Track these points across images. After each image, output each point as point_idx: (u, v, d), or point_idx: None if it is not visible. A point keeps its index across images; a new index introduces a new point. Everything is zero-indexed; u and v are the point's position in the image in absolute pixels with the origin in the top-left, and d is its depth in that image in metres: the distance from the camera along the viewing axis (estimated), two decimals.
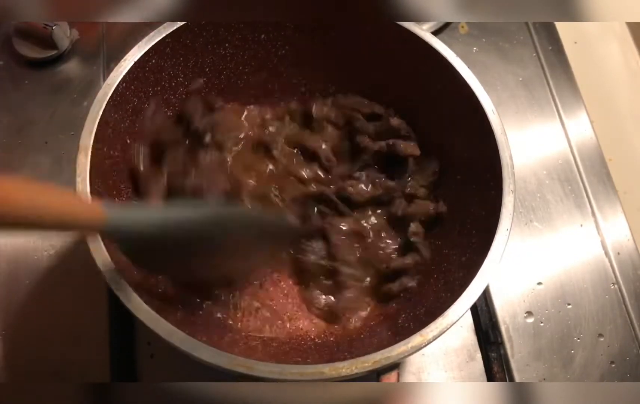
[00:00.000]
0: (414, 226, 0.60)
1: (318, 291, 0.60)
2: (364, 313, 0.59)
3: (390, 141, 0.64)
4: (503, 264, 0.53)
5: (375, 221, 0.64)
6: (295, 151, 0.67)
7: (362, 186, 0.64)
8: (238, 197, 0.61)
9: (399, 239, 0.63)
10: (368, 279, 0.61)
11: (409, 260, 0.59)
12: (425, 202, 0.63)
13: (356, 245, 0.62)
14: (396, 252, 0.62)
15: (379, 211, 0.64)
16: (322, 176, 0.65)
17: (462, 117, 0.60)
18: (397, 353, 0.47)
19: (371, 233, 0.63)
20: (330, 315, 0.59)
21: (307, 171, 0.65)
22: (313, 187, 0.63)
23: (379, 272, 0.61)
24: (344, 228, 0.62)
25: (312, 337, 0.58)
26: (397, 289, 0.59)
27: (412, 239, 0.60)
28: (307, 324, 0.59)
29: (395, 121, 0.65)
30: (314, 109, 0.67)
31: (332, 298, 0.60)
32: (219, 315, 0.58)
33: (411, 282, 0.60)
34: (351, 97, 0.68)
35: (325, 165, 0.65)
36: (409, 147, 0.64)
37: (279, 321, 0.58)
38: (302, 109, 0.68)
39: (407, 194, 0.64)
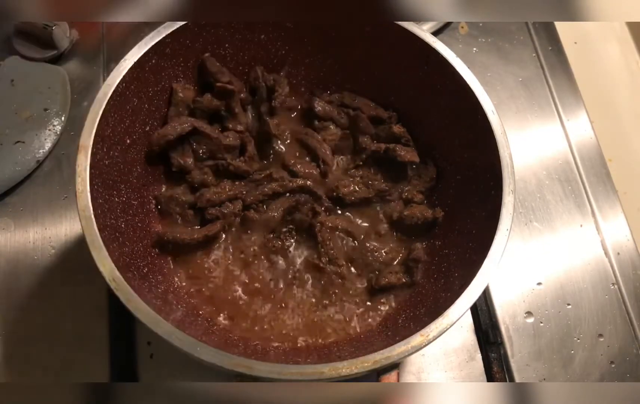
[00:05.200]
0: (417, 252, 0.61)
1: (308, 291, 0.60)
2: (359, 313, 0.60)
3: (391, 146, 0.64)
4: (503, 264, 0.53)
5: (369, 222, 0.64)
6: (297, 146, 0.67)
7: (355, 187, 0.64)
8: None
9: (392, 244, 0.63)
10: (358, 278, 0.61)
11: (394, 279, 0.59)
12: (422, 206, 0.63)
13: (345, 243, 0.62)
14: (387, 254, 0.62)
15: (374, 212, 0.65)
16: (316, 174, 0.65)
17: (462, 117, 0.60)
18: (397, 353, 0.47)
19: (362, 233, 0.63)
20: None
21: (303, 167, 0.65)
22: (305, 182, 0.63)
23: (369, 278, 0.61)
24: (332, 226, 0.62)
25: (311, 337, 0.58)
26: (388, 299, 0.60)
27: (410, 264, 0.60)
28: (306, 325, 0.59)
29: (397, 129, 0.65)
30: (318, 107, 0.67)
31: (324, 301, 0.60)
32: (220, 319, 0.58)
33: (402, 295, 0.60)
34: (358, 98, 0.68)
35: (321, 167, 0.65)
36: (409, 154, 0.64)
37: (277, 322, 0.59)
38: (307, 106, 0.68)
39: (405, 199, 0.64)
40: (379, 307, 0.60)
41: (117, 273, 0.47)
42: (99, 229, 0.49)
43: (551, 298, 0.67)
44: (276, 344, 0.57)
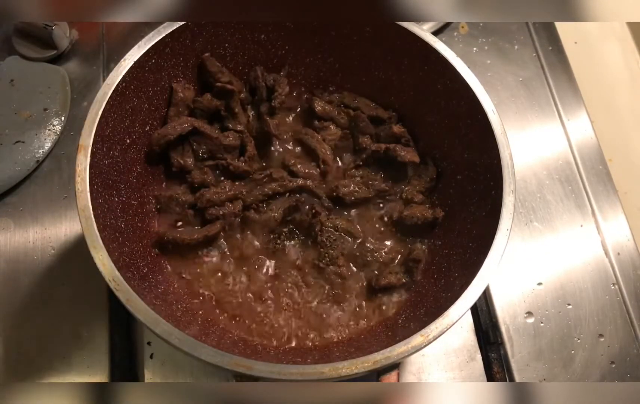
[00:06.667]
0: (417, 252, 0.61)
1: (309, 291, 0.60)
2: (360, 312, 0.60)
3: (391, 146, 0.64)
4: (503, 265, 0.53)
5: (369, 222, 0.64)
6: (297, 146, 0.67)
7: (355, 187, 0.64)
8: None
9: (392, 244, 0.63)
10: (358, 278, 0.61)
11: (393, 279, 0.59)
12: (422, 206, 0.63)
13: (345, 243, 0.62)
14: (387, 254, 0.62)
15: (374, 212, 0.65)
16: (316, 174, 0.65)
17: (462, 117, 0.60)
18: (398, 353, 0.47)
19: (362, 233, 0.63)
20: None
21: (303, 167, 0.65)
22: (305, 182, 0.63)
23: (369, 278, 0.61)
24: (332, 226, 0.62)
25: (311, 337, 0.58)
26: (388, 299, 0.60)
27: (410, 264, 0.60)
28: (306, 325, 0.59)
29: (397, 128, 0.65)
30: (318, 107, 0.67)
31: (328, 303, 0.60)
32: (220, 318, 0.58)
33: (402, 295, 0.60)
34: (358, 98, 0.68)
35: (321, 167, 0.65)
36: (409, 154, 0.64)
37: (277, 322, 0.59)
38: (307, 106, 0.68)
39: (405, 199, 0.64)
40: (379, 307, 0.60)
41: (117, 273, 0.47)
42: (99, 229, 0.49)
43: (551, 298, 0.67)
44: (276, 344, 0.57)
